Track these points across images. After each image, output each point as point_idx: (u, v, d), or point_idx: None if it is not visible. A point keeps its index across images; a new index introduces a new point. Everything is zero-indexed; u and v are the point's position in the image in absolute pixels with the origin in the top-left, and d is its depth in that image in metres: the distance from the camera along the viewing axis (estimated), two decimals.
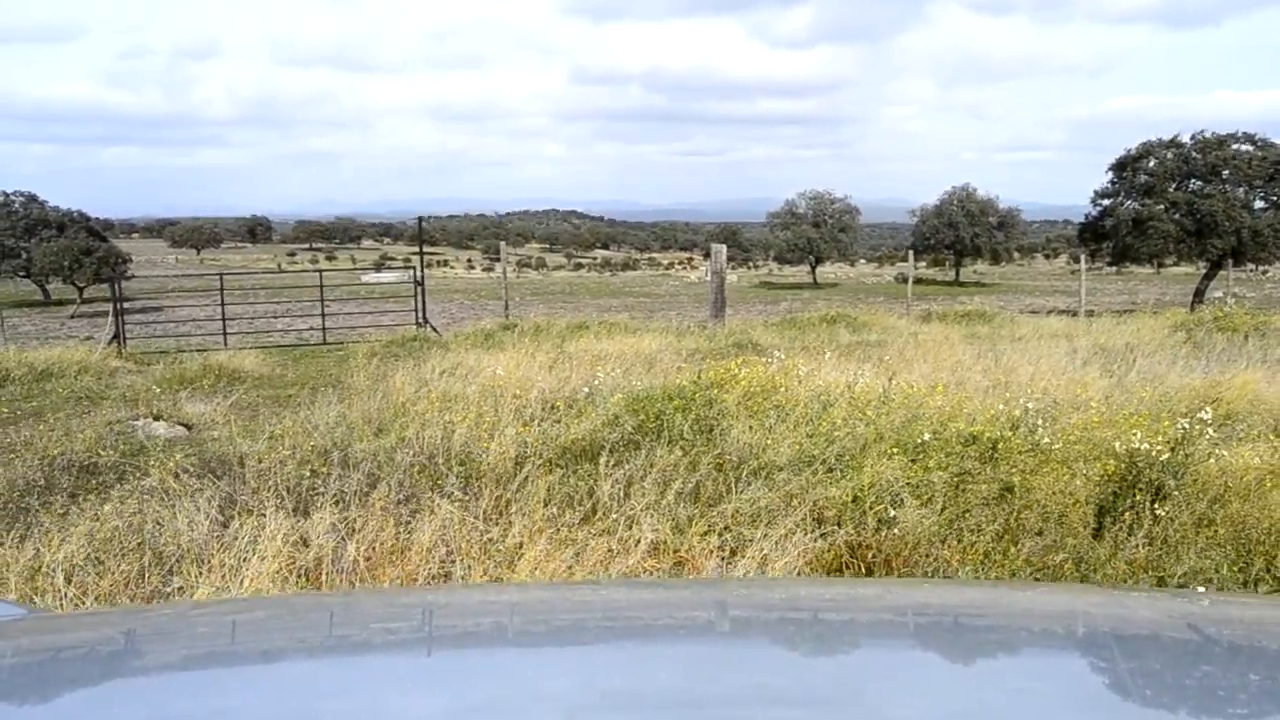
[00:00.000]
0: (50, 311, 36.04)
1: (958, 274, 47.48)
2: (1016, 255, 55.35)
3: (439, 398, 6.28)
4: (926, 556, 3.43)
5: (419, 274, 16.20)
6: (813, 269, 48.06)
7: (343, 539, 3.52)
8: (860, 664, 1.15)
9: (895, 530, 3.54)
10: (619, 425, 4.95)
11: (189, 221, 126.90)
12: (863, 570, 3.42)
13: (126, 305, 33.01)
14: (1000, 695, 1.01)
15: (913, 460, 4.12)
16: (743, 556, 3.36)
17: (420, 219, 24.81)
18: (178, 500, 3.95)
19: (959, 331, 13.39)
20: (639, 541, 3.45)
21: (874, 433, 4.53)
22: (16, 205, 45.58)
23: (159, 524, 3.67)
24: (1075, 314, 19.42)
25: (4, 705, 0.96)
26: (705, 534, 3.60)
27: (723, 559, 3.42)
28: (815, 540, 3.49)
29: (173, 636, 1.32)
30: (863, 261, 71.28)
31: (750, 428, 4.76)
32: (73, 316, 31.96)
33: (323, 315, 15.76)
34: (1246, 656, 1.22)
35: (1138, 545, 3.53)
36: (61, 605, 3.12)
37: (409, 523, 3.67)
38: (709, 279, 17.30)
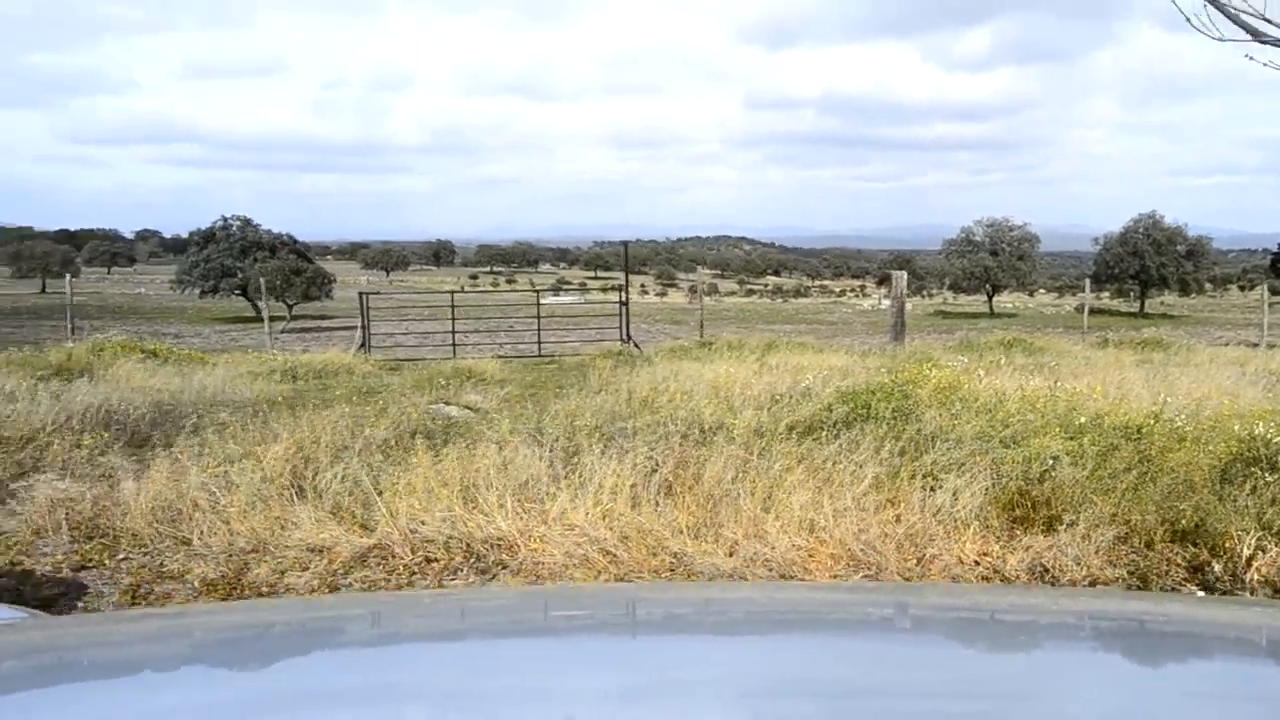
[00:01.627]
0: (261, 326, 39.52)
1: (1142, 305, 46.47)
2: (1208, 286, 53.63)
3: (677, 392, 7.75)
4: (1074, 499, 4.63)
5: (624, 296, 17.90)
6: (989, 298, 47.89)
7: (655, 467, 5.01)
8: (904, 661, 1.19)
9: (1052, 481, 4.76)
10: (833, 411, 6.29)
11: (379, 245, 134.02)
12: (1029, 507, 4.66)
13: (330, 323, 35.86)
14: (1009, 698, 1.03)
15: (1070, 438, 5.30)
16: (939, 489, 4.67)
17: (625, 245, 26.69)
18: (516, 450, 5.49)
19: (1132, 357, 14.09)
20: (865, 478, 4.81)
21: (1040, 420, 5.72)
22: (234, 229, 49.98)
23: (507, 464, 5.22)
24: (1257, 345, 19.56)
25: (4, 708, 0.95)
26: (911, 477, 4.91)
27: (925, 493, 4.72)
28: (992, 484, 4.76)
29: (174, 639, 1.33)
30: (1042, 291, 70.06)
31: (939, 415, 6.01)
32: (284, 331, 35.02)
33: (538, 331, 17.65)
34: (1245, 659, 1.24)
35: (1246, 502, 4.64)
36: (479, 502, 4.67)
37: (696, 458, 5.14)
38: (889, 304, 18.35)
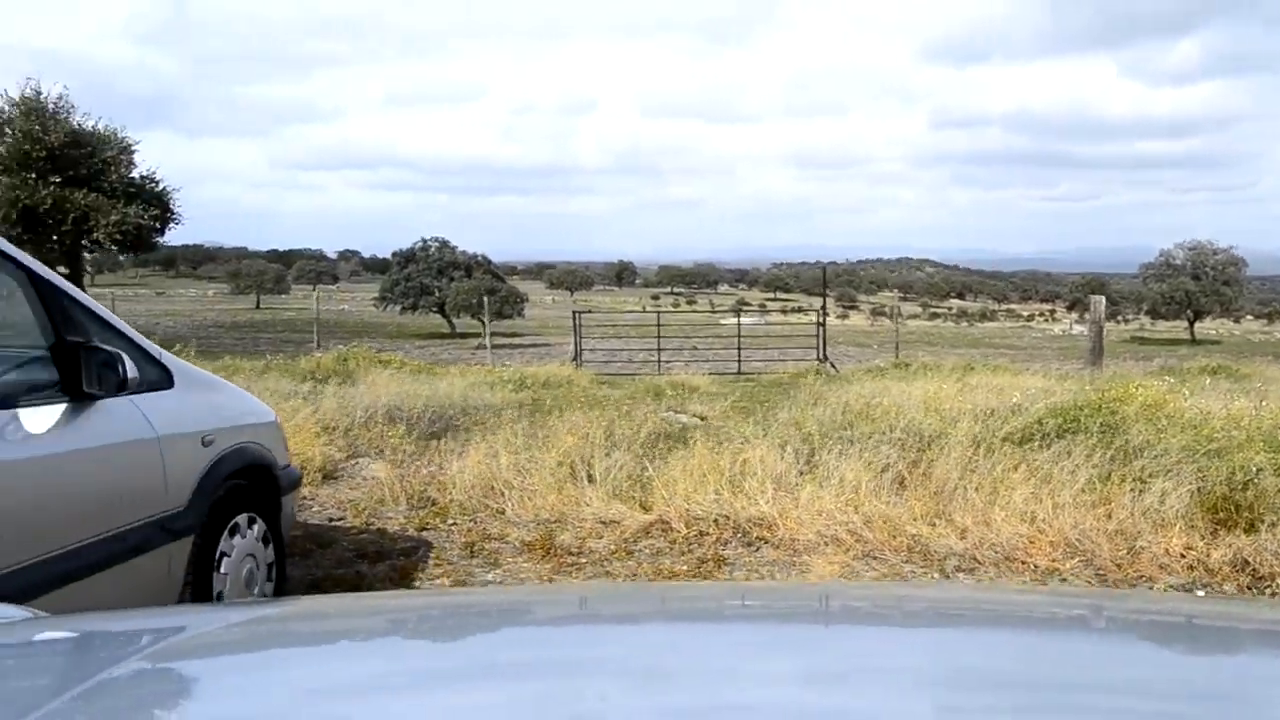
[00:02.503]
0: (457, 342, 41.72)
1: None
2: None
3: (891, 406, 8.47)
4: (1275, 505, 5.16)
5: (821, 317, 18.66)
6: (1190, 324, 46.17)
7: (886, 466, 5.83)
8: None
9: (1255, 488, 5.29)
10: (1044, 424, 6.91)
11: (563, 265, 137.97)
12: (1231, 511, 5.21)
13: (521, 340, 37.45)
14: (985, 693, 1.04)
15: (1274, 452, 5.79)
16: (1147, 492, 5.29)
17: (824, 269, 27.52)
18: (760, 448, 6.36)
19: None
20: (1078, 480, 5.48)
21: (1244, 436, 6.21)
22: (432, 249, 52.86)
23: (762, 460, 6.09)
24: None
25: (4, 707, 0.95)
26: (1120, 481, 5.53)
27: (1134, 495, 5.35)
28: (1197, 489, 5.34)
29: (176, 640, 1.33)
30: (1249, 317, 66.62)
31: (1145, 429, 6.56)
32: (478, 347, 36.95)
33: (738, 350, 18.59)
34: (1245, 657, 1.25)
35: None
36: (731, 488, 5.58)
37: (925, 459, 5.92)
38: (1084, 329, 18.43)
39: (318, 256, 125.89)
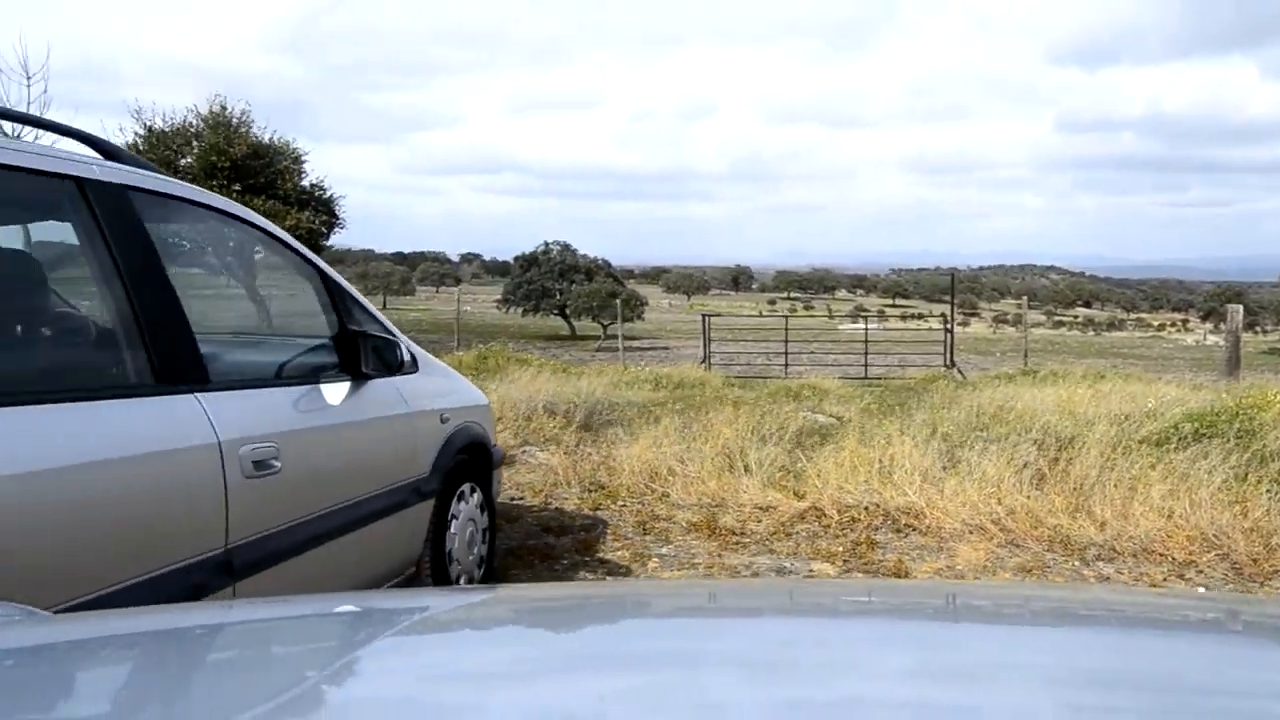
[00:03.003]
0: (578, 344, 42.58)
1: None
2: None
3: (1025, 410, 8.77)
4: None
5: (950, 324, 18.82)
6: None
7: (1026, 463, 6.20)
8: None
9: None
10: (1179, 429, 7.17)
11: (679, 269, 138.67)
12: None
13: (640, 343, 38.08)
14: (989, 693, 1.02)
15: None
16: None
17: (952, 273, 27.59)
18: (904, 444, 6.78)
19: None
20: (1215, 481, 5.78)
21: None
22: (554, 253, 53.94)
23: (909, 454, 6.52)
24: None
25: (3, 706, 0.95)
26: (1257, 482, 5.80)
27: (1270, 497, 5.62)
28: None
29: (177, 638, 1.33)
30: None
31: None
32: (598, 349, 37.64)
33: (865, 354, 18.90)
34: (1245, 656, 1.26)
35: None
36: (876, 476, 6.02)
37: (1064, 457, 6.29)
38: (1223, 339, 18.16)
39: (441, 259, 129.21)
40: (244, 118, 17.99)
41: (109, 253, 2.73)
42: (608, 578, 5.03)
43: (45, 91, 12.90)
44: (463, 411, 4.50)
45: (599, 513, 6.14)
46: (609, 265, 56.95)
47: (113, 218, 2.77)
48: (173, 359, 2.81)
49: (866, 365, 18.65)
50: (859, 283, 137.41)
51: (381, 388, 3.77)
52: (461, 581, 4.38)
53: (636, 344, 40.58)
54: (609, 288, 51.10)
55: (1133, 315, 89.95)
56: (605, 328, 46.95)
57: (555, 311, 50.76)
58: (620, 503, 6.31)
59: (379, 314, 4.07)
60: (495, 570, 4.80)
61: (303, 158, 18.48)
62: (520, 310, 51.20)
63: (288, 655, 1.27)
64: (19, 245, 3.19)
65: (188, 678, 1.17)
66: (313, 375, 3.46)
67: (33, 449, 2.29)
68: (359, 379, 3.60)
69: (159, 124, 18.55)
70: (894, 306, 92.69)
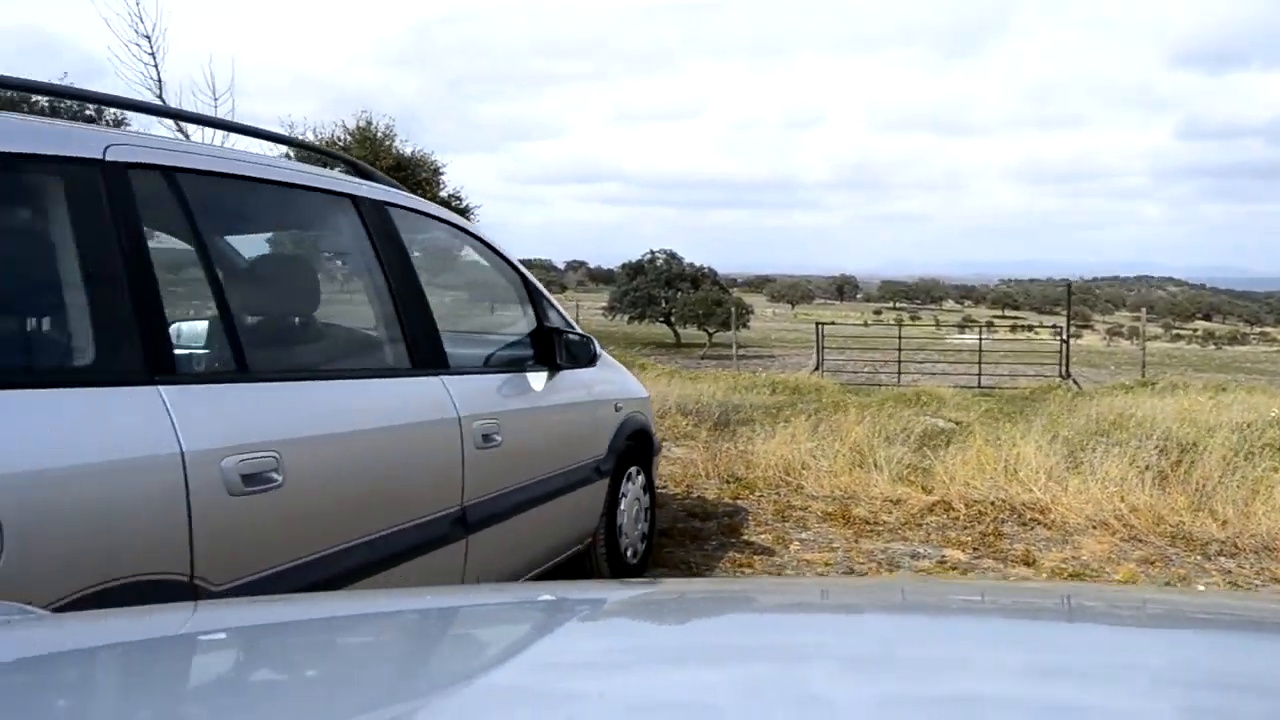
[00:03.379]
0: (683, 351, 42.97)
1: None
2: None
3: (1145, 417, 8.98)
4: None
5: (1066, 335, 18.84)
6: None
7: (1147, 465, 6.50)
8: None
9: None
10: None
11: (784, 278, 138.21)
12: None
13: (743, 350, 38.42)
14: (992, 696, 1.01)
15: None
16: None
17: (1067, 285, 27.45)
18: (1022, 445, 7.11)
19: None
20: None
21: None
22: (660, 261, 54.45)
23: (1035, 454, 6.86)
24: None
25: (4, 706, 0.94)
26: None
27: None
28: None
29: (178, 637, 1.32)
30: None
31: None
32: (703, 357, 37.91)
33: (979, 363, 19.03)
34: (1246, 654, 1.24)
35: None
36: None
37: (1181, 460, 6.56)
38: None
39: (548, 266, 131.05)
40: (388, 131, 19.05)
41: (376, 258, 3.33)
42: (747, 565, 5.48)
43: (232, 110, 13.92)
44: (631, 402, 5.02)
45: (738, 502, 6.62)
46: (714, 273, 57.32)
47: (377, 229, 3.37)
48: (424, 347, 3.38)
49: (980, 375, 18.77)
50: (967, 293, 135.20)
51: (571, 378, 4.30)
52: (628, 554, 4.89)
53: (742, 352, 40.83)
54: (715, 296, 51.53)
55: (1256, 329, 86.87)
56: (710, 335, 47.35)
57: (660, 319, 51.30)
58: (758, 494, 6.78)
59: (565, 313, 4.62)
60: (653, 547, 5.30)
61: (441, 170, 19.50)
62: (626, 317, 51.84)
63: (289, 652, 1.23)
64: (319, 252, 3.80)
65: (189, 675, 1.15)
66: (519, 365, 4.02)
67: (342, 415, 2.88)
68: (554, 369, 4.14)
69: (310, 138, 19.71)
70: (1003, 318, 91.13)
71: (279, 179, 3.08)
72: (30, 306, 2.42)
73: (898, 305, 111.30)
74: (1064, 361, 18.27)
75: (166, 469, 2.28)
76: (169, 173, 2.62)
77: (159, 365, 2.37)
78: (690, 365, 27.52)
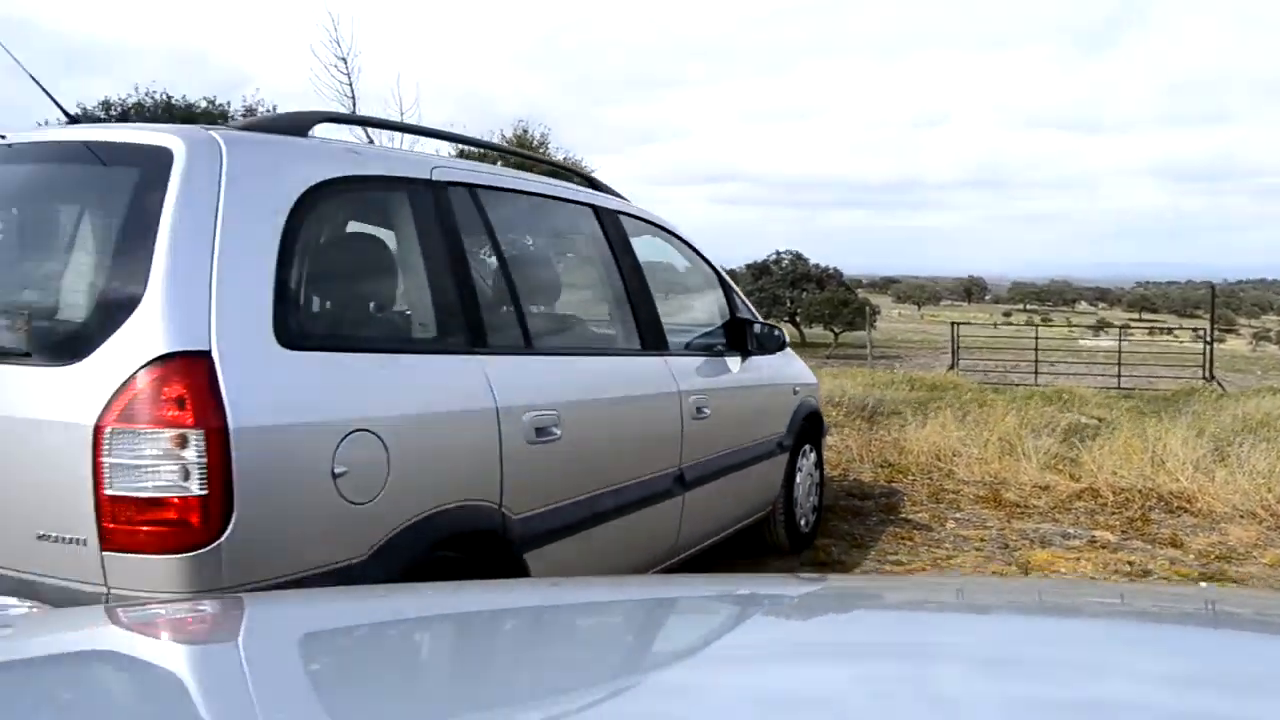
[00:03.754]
0: (808, 351, 42.94)
1: None
2: None
3: None
4: None
5: (1210, 337, 18.62)
6: None
7: None
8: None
9: None
10: None
11: (909, 279, 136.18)
12: None
13: (869, 350, 38.27)
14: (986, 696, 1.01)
15: None
16: None
17: (1211, 287, 26.94)
18: (1168, 438, 7.39)
19: None
20: None
21: None
22: (785, 261, 54.54)
23: (1172, 447, 7.14)
24: None
25: (4, 706, 0.94)
26: None
27: None
28: None
29: (178, 637, 1.31)
30: None
31: None
32: (828, 356, 37.83)
33: (1119, 365, 18.95)
34: (1247, 652, 1.24)
35: None
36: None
37: None
38: None
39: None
40: (543, 139, 19.96)
41: (612, 256, 3.95)
42: (907, 538, 5.94)
43: (419, 120, 15.03)
44: (805, 387, 5.56)
45: (893, 485, 7.08)
46: (839, 274, 57.18)
47: (612, 232, 3.99)
48: (650, 331, 3.99)
49: (1119, 375, 18.67)
50: (1101, 295, 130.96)
51: (759, 363, 4.86)
52: (801, 523, 5.43)
53: (867, 352, 40.72)
54: (841, 296, 51.49)
55: None
56: (837, 335, 47.34)
57: (786, 318, 51.46)
58: (911, 477, 7.23)
59: (750, 306, 5.18)
60: (821, 519, 5.81)
61: (591, 175, 20.18)
62: None
63: (290, 649, 1.24)
64: (571, 251, 4.46)
65: (190, 673, 1.14)
66: (718, 350, 4.59)
67: (600, 385, 3.53)
68: (745, 354, 4.70)
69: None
70: (1140, 321, 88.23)
71: (544, 192, 3.75)
72: (396, 295, 3.09)
73: (1028, 307, 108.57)
74: (1207, 364, 18.05)
75: (486, 420, 2.93)
76: (471, 189, 3.28)
77: (478, 341, 3.02)
78: (817, 364, 27.74)
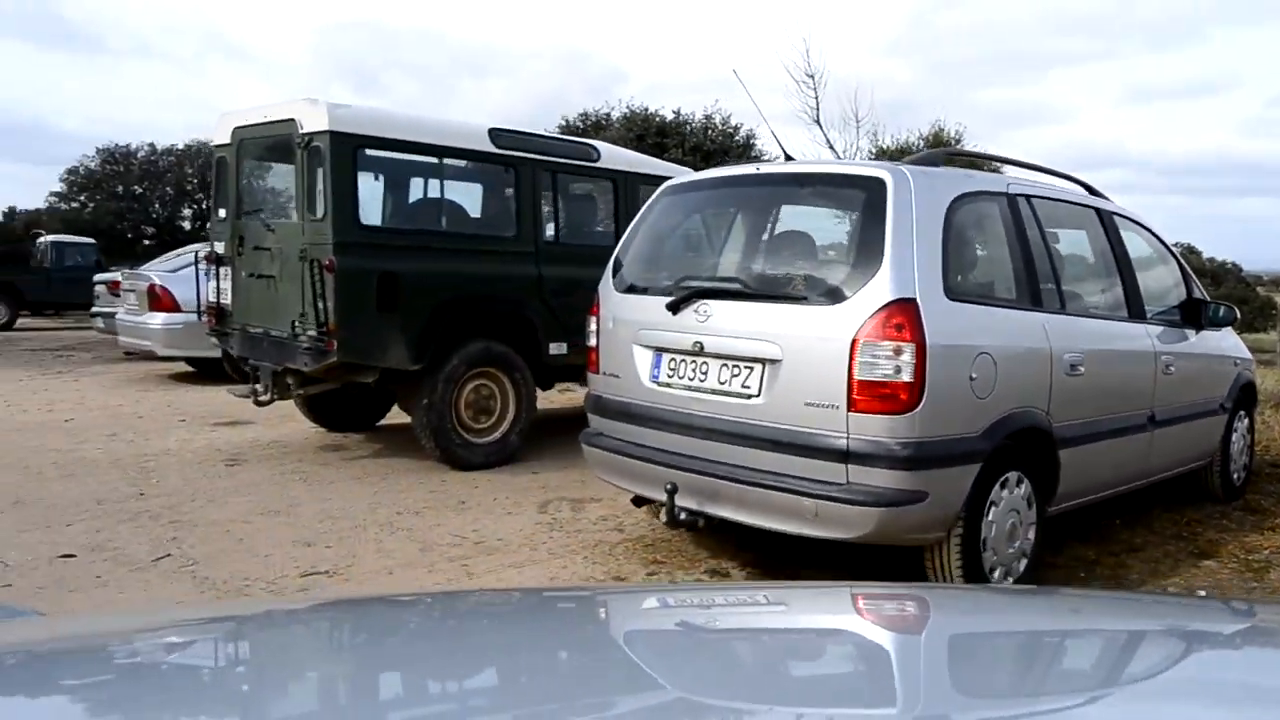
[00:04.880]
0: None
1: None
2: None
3: None
4: None
5: None
6: None
7: None
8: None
9: None
10: None
11: None
12: None
13: (1262, 356, 35.34)
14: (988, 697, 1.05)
15: None
16: None
17: None
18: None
19: None
20: None
21: None
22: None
23: None
24: None
25: (4, 707, 0.96)
26: None
27: None
28: None
29: (179, 638, 1.33)
30: None
31: None
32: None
33: None
34: (1247, 658, 1.29)
35: None
36: None
37: None
38: None
39: None
40: (957, 135, 21.12)
41: (1110, 246, 5.24)
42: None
43: (875, 133, 16.93)
44: (1243, 361, 6.51)
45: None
46: (1239, 269, 53.14)
47: (1109, 228, 5.28)
48: (1135, 303, 5.25)
49: None
50: None
51: (1207, 336, 5.93)
52: (1234, 477, 6.39)
53: (1263, 358, 37.87)
54: (1239, 294, 48.06)
55: None
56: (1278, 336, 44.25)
57: None
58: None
59: (1200, 285, 6.22)
60: (1249, 479, 6.71)
61: (1090, 184, 20.89)
62: None
63: (288, 656, 1.27)
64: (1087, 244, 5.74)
65: (190, 676, 1.16)
66: (1177, 322, 5.73)
67: (1108, 340, 4.86)
68: (1199, 328, 5.81)
69: (888, 143, 22.06)
70: None
71: (1069, 199, 5.15)
72: (996, 268, 4.63)
73: None
74: None
75: (1043, 356, 4.37)
76: (1028, 198, 4.71)
77: (1037, 302, 4.46)
78: None
